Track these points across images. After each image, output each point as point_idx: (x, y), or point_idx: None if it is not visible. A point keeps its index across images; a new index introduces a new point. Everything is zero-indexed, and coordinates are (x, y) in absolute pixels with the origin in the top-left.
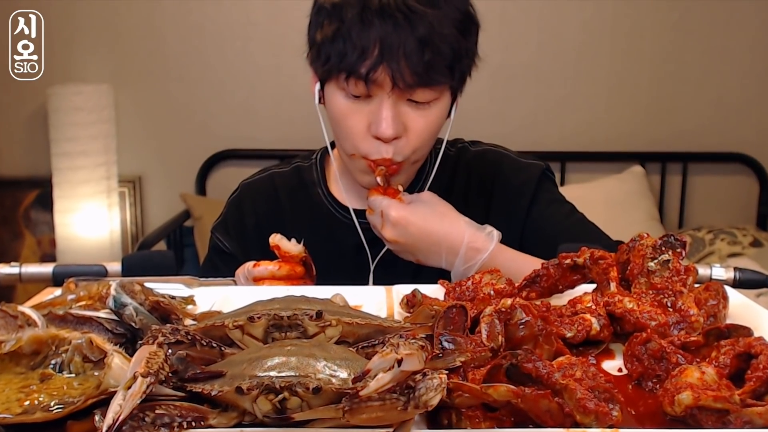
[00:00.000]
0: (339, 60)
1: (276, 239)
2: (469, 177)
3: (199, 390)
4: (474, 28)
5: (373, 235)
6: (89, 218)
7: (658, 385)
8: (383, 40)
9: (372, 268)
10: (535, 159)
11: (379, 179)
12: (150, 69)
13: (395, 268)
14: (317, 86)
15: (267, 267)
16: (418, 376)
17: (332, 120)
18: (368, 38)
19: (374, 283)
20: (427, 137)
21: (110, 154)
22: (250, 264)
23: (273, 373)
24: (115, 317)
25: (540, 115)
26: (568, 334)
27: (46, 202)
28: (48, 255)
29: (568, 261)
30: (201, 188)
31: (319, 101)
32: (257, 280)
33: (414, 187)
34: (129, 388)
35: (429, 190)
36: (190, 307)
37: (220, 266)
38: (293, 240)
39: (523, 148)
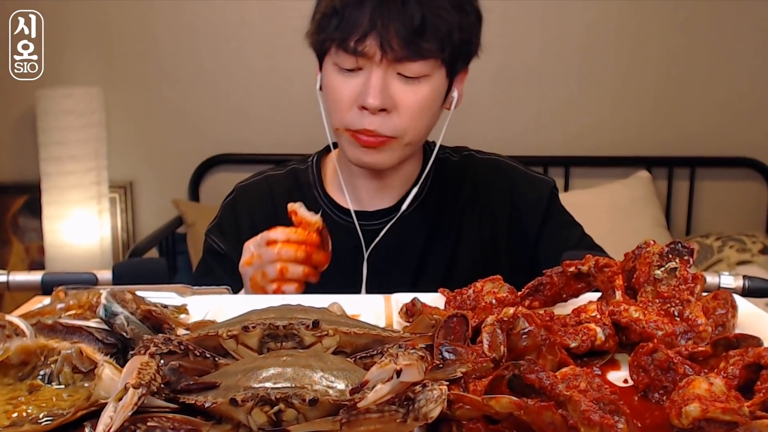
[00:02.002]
0: (331, 31)
1: (295, 206)
2: (477, 187)
3: (193, 401)
4: (470, 7)
5: (371, 238)
6: (79, 225)
7: (665, 397)
8: (374, 11)
9: (365, 269)
10: (540, 174)
11: None
12: (141, 71)
13: (392, 275)
14: (320, 75)
15: (284, 230)
16: (418, 388)
17: (326, 98)
18: (360, 11)
19: (370, 292)
20: (417, 114)
21: (100, 158)
22: (263, 232)
23: (268, 384)
24: (105, 327)
25: (543, 118)
26: (572, 344)
27: (34, 208)
28: (36, 263)
29: (572, 269)
30: (194, 194)
31: (320, 88)
32: (270, 244)
33: (411, 189)
34: (120, 399)
35: (430, 194)
36: (182, 316)
37: (215, 268)
38: (311, 211)
39: (527, 152)
